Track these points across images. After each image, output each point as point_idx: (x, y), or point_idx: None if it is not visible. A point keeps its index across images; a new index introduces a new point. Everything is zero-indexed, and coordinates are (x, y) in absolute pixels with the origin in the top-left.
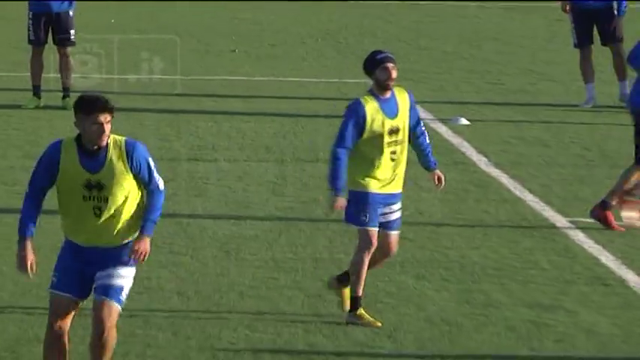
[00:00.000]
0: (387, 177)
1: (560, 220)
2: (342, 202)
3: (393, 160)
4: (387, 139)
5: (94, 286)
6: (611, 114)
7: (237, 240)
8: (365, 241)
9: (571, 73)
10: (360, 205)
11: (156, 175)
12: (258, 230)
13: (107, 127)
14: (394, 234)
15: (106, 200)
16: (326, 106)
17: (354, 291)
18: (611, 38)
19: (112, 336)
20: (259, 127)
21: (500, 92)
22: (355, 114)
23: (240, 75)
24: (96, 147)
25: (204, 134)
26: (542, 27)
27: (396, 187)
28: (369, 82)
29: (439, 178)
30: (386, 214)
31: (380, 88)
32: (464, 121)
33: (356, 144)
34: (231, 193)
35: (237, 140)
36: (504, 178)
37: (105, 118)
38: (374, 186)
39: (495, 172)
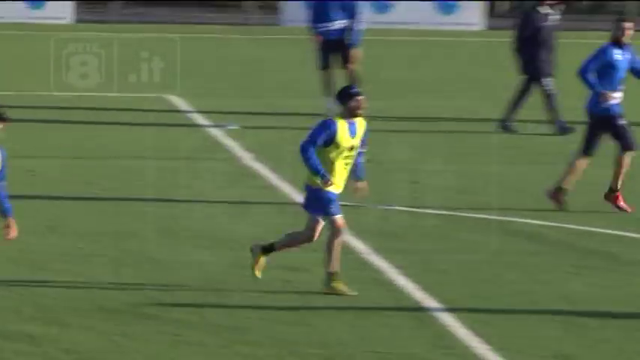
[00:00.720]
0: (339, 180)
1: None
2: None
3: (344, 169)
4: (346, 152)
5: None
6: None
7: (60, 218)
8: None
9: (318, 90)
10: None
11: None
12: (79, 208)
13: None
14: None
15: None
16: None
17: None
18: (345, 62)
19: None
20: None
21: (264, 105)
22: (329, 127)
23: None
24: None
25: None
26: (298, 54)
27: (340, 189)
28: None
29: (362, 188)
30: None
31: (351, 115)
32: (234, 126)
33: (324, 151)
34: (58, 177)
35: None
36: (265, 170)
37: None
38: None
39: (258, 166)
